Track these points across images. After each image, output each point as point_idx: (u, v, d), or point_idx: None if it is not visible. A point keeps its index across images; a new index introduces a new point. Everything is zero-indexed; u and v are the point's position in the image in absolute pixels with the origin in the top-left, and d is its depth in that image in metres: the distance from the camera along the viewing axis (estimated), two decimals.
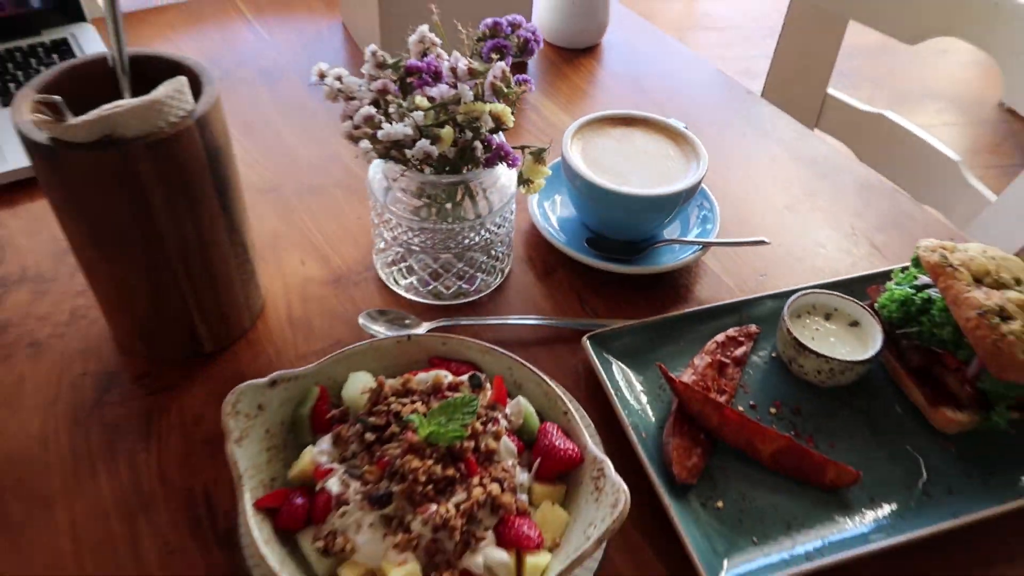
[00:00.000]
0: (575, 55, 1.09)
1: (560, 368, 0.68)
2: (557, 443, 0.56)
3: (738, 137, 0.96)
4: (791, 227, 0.83)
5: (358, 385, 0.58)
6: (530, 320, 0.71)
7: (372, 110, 0.60)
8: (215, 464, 0.60)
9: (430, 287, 0.72)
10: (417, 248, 0.69)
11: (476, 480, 0.53)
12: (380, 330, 0.69)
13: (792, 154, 0.94)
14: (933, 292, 0.66)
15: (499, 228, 0.71)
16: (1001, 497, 0.59)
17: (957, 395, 0.64)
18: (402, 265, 0.71)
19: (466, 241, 0.69)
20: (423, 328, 0.69)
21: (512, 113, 0.61)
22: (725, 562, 0.55)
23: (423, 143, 0.59)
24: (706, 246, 0.76)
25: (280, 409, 0.57)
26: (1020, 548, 0.58)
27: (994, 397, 0.62)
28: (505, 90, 0.62)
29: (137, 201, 0.54)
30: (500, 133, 0.64)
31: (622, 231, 0.77)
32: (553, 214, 0.81)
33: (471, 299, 0.73)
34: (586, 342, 0.67)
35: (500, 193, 0.69)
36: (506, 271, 0.76)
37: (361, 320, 0.69)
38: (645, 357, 0.68)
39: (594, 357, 0.66)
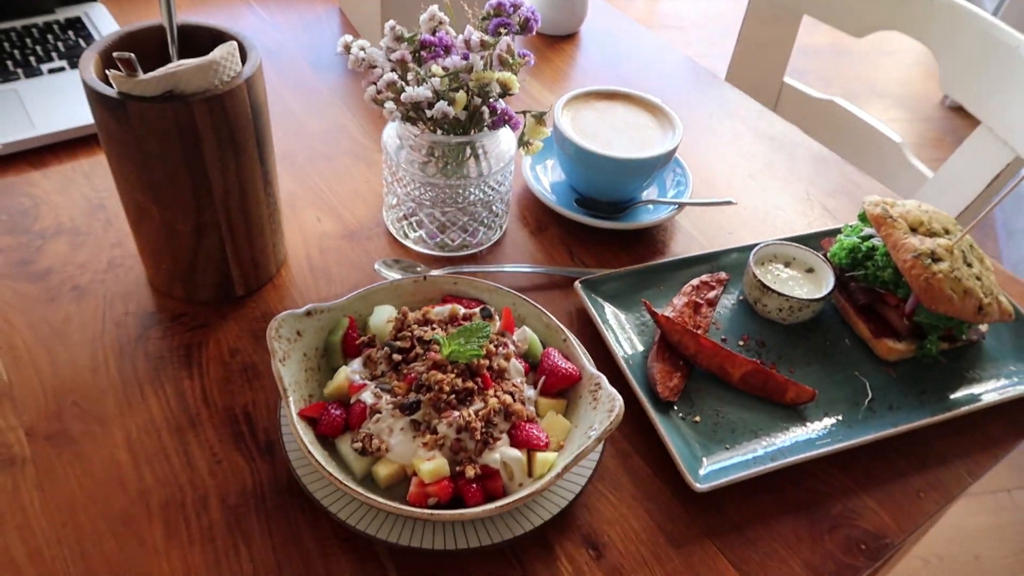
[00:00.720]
0: (557, 41, 1.18)
1: (553, 310, 0.77)
2: (559, 363, 0.64)
3: (705, 116, 1.06)
4: (754, 193, 0.93)
5: (383, 316, 0.66)
6: (526, 268, 0.80)
7: (394, 76, 0.69)
8: (252, 388, 0.67)
9: (437, 239, 0.80)
10: (427, 203, 0.77)
11: (491, 392, 0.61)
12: (394, 275, 0.77)
13: (753, 131, 1.04)
14: (876, 241, 0.76)
15: (499, 186, 0.79)
16: (933, 411, 0.69)
17: (897, 328, 0.74)
18: (412, 219, 0.79)
19: (470, 197, 0.77)
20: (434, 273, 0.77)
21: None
22: (704, 460, 0.64)
23: (441, 104, 0.67)
24: (680, 206, 0.85)
25: (314, 336, 0.65)
26: (950, 453, 0.68)
27: (927, 329, 0.73)
28: (510, 61, 0.70)
29: (192, 150, 0.61)
30: (503, 99, 0.73)
31: (607, 192, 0.86)
32: (545, 178, 0.89)
33: (472, 251, 0.82)
34: (578, 285, 0.76)
35: (500, 154, 0.77)
36: (504, 227, 0.84)
37: (377, 266, 0.77)
38: (629, 299, 0.77)
39: (585, 298, 0.75)
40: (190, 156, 0.62)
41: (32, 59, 0.96)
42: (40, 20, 1.03)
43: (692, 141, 1.00)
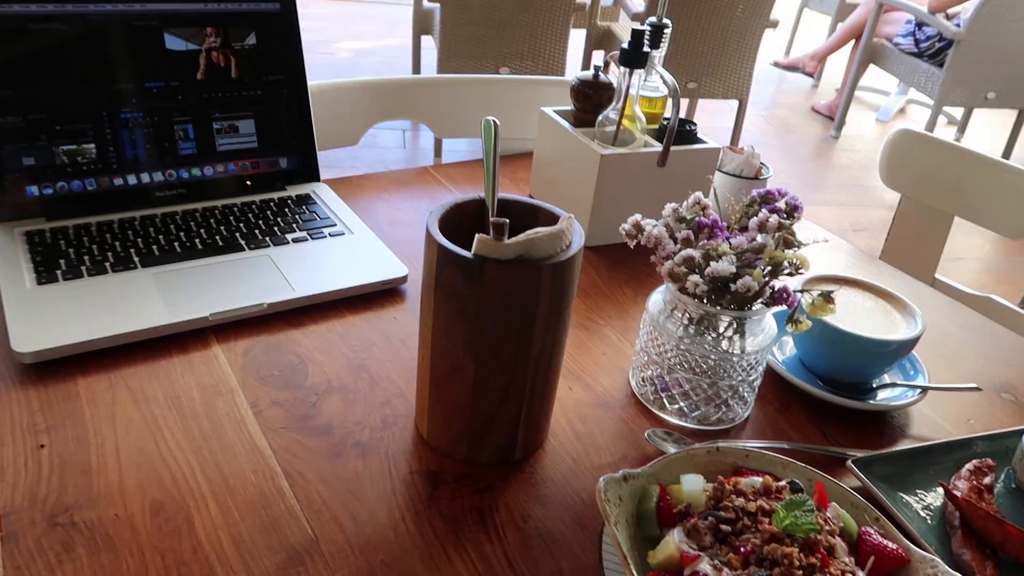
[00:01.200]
0: None
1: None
2: (885, 543, 0.62)
3: None
4: (979, 383, 0.94)
5: (697, 484, 0.65)
6: (783, 445, 0.79)
7: (692, 252, 0.73)
8: (554, 556, 0.65)
9: (696, 413, 0.80)
10: (689, 375, 0.78)
11: (832, 569, 0.59)
12: (668, 446, 0.76)
13: (950, 320, 1.07)
14: None
15: (758, 365, 0.81)
16: None
17: None
18: (674, 391, 0.80)
19: (732, 371, 0.79)
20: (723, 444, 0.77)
21: None
22: None
23: (747, 279, 0.70)
24: (925, 390, 0.86)
25: (629, 503, 0.64)
26: None
27: None
28: (795, 242, 0.75)
29: (528, 312, 0.64)
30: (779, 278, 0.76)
31: (849, 374, 0.87)
32: (780, 355, 0.91)
33: (727, 426, 0.82)
34: (852, 465, 0.75)
35: (764, 331, 0.80)
36: (752, 405, 0.85)
37: (648, 435, 0.77)
38: (900, 482, 0.75)
39: (865, 478, 0.74)
40: (525, 318, 0.65)
41: (277, 230, 1.03)
42: (275, 196, 1.11)
43: None
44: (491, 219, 0.61)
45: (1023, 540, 0.68)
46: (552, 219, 0.70)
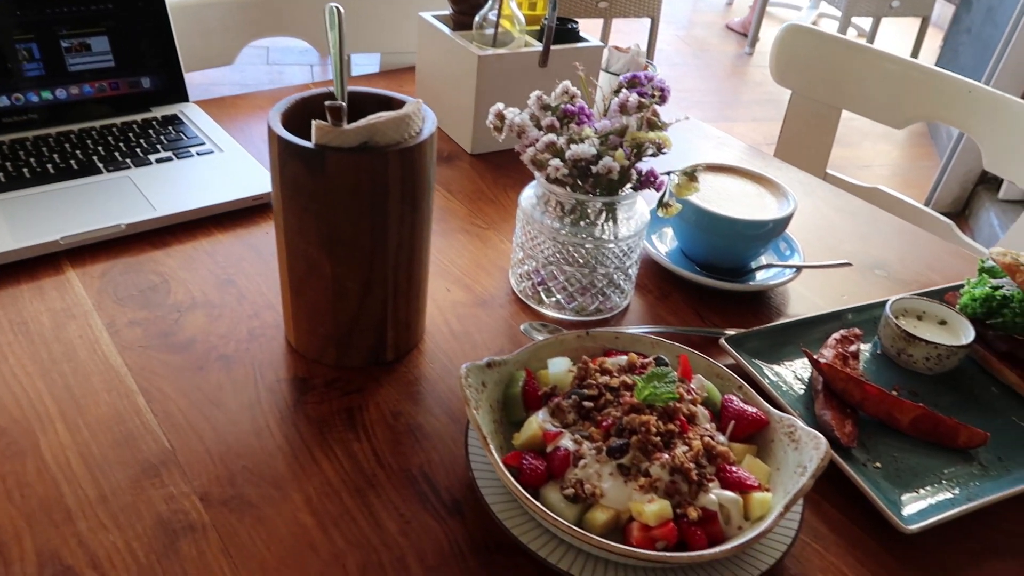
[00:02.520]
0: None
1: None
2: (745, 408, 0.63)
3: None
4: (854, 261, 0.96)
5: (562, 367, 0.65)
6: (664, 329, 0.80)
7: (554, 137, 0.71)
8: (423, 449, 0.65)
9: (573, 304, 0.80)
10: (564, 266, 0.78)
11: (691, 434, 0.60)
12: (542, 337, 0.76)
13: (833, 207, 1.09)
14: (1007, 290, 0.78)
15: (632, 252, 0.80)
16: None
17: None
18: (549, 284, 0.80)
19: (607, 259, 0.78)
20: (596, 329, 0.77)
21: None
22: (901, 504, 0.62)
23: (607, 160, 0.69)
24: (799, 269, 0.87)
25: (495, 389, 0.63)
26: None
27: None
28: (659, 123, 0.74)
29: (379, 201, 0.62)
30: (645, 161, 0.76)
31: (727, 258, 0.88)
32: (662, 246, 0.91)
33: (605, 316, 0.82)
34: (724, 343, 0.76)
35: (637, 218, 0.79)
36: (631, 294, 0.85)
37: (523, 328, 0.76)
38: (771, 354, 0.77)
39: (736, 353, 0.75)
40: (376, 209, 0.62)
41: (139, 151, 0.97)
42: (139, 117, 1.05)
43: None
44: (326, 103, 0.58)
45: (880, 398, 0.70)
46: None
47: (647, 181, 0.74)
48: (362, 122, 0.59)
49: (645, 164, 0.75)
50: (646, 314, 0.83)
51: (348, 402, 0.68)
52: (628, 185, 0.75)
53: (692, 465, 0.56)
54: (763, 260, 0.91)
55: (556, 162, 0.70)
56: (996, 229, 2.78)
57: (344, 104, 0.58)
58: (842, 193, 1.13)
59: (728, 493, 0.57)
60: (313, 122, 0.59)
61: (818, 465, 0.57)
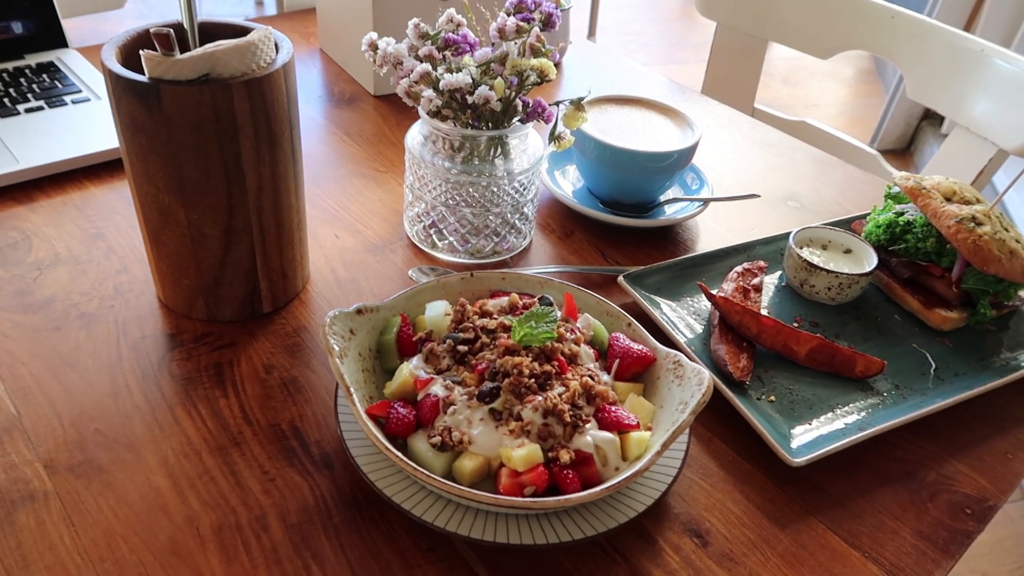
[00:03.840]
0: None
1: None
2: (631, 346, 0.61)
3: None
4: (766, 192, 0.93)
5: (439, 310, 0.61)
6: (564, 268, 0.76)
7: (428, 67, 0.66)
8: (296, 403, 0.61)
9: (467, 246, 0.76)
10: (455, 206, 0.74)
11: (569, 375, 0.57)
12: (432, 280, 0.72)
13: (750, 140, 1.05)
14: (911, 215, 0.76)
15: (527, 189, 0.76)
16: (999, 373, 0.68)
17: (946, 297, 0.73)
18: (440, 227, 0.76)
19: (499, 198, 0.74)
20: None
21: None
22: (791, 436, 0.61)
23: (483, 89, 0.65)
24: (706, 202, 0.84)
25: (367, 336, 0.59)
26: (1020, 408, 0.67)
27: (976, 295, 0.72)
28: (543, 49, 0.69)
29: (228, 139, 0.57)
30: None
31: (631, 193, 0.84)
32: (567, 184, 0.88)
33: (503, 257, 0.78)
34: (622, 280, 0.73)
35: (529, 153, 0.75)
36: (531, 234, 0.81)
37: (411, 273, 0.73)
38: (673, 291, 0.74)
39: (633, 291, 0.72)
40: (226, 148, 0.57)
41: (7, 100, 0.90)
42: (10, 65, 0.97)
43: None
44: (151, 30, 0.52)
45: (776, 330, 0.68)
46: None
47: (534, 112, 0.70)
48: (198, 51, 0.54)
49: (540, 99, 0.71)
50: (547, 254, 0.80)
51: (218, 357, 0.64)
52: (516, 118, 0.71)
53: (566, 407, 0.54)
54: (670, 195, 0.88)
55: (429, 93, 0.66)
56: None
57: (171, 31, 0.53)
58: (759, 125, 1.10)
59: (605, 434, 0.54)
60: (142, 53, 0.54)
61: (699, 401, 0.54)
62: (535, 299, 0.63)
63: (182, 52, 0.55)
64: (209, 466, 0.56)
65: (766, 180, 0.96)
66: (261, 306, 0.68)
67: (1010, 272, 0.70)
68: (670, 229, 0.85)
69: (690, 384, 0.57)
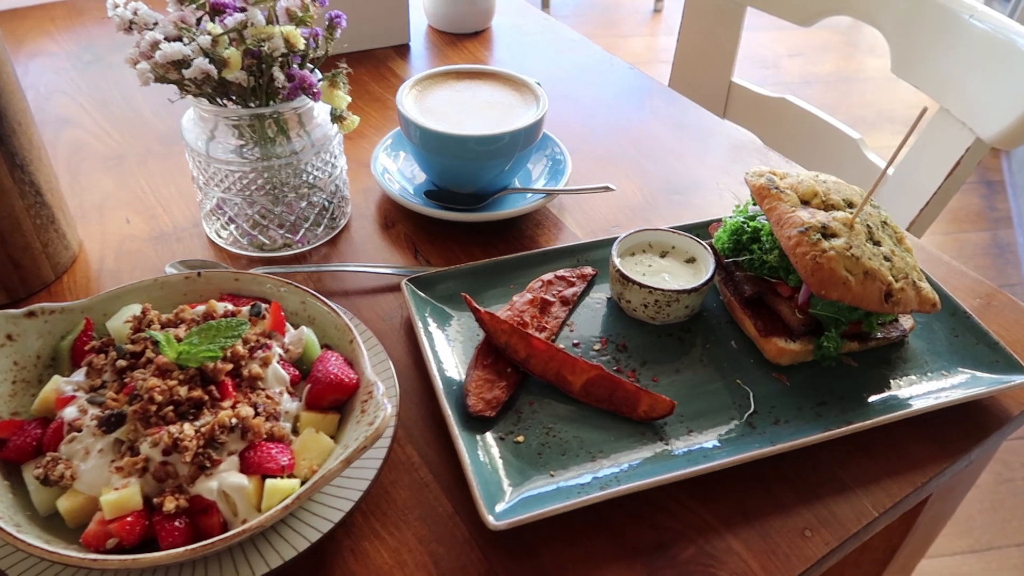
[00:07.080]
0: (460, 40, 1.07)
1: (380, 314, 0.64)
2: (331, 369, 0.51)
3: (606, 104, 0.93)
4: (654, 182, 0.80)
5: (126, 316, 0.54)
6: (352, 268, 0.67)
7: (159, 36, 0.58)
8: None
9: (250, 237, 0.68)
10: (237, 193, 0.66)
11: (228, 404, 0.48)
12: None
13: (658, 116, 0.91)
14: (760, 222, 0.62)
15: (320, 172, 0.67)
16: (830, 425, 0.54)
17: (790, 324, 0.59)
18: (222, 216, 0.68)
19: (285, 184, 0.66)
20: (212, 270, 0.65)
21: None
22: (509, 491, 0.50)
23: (200, 61, 0.56)
24: (549, 194, 0.73)
25: (36, 342, 0.53)
26: (852, 479, 0.53)
27: (827, 324, 0.58)
28: (300, 16, 0.59)
29: None
30: (307, 66, 0.62)
31: (463, 181, 0.73)
32: (398, 171, 0.78)
33: (297, 251, 0.70)
34: (404, 285, 0.63)
35: (321, 132, 0.66)
36: (338, 225, 0.72)
37: (168, 269, 0.65)
38: (473, 299, 0.64)
39: (410, 298, 0.62)
40: None
41: None
42: None
43: (591, 130, 0.87)
44: None
45: (549, 355, 0.56)
46: None
47: (297, 88, 0.61)
48: None
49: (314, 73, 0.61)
50: (355, 249, 0.71)
51: None
52: (280, 94, 0.62)
53: (194, 444, 0.45)
54: (517, 184, 0.76)
55: (143, 65, 0.57)
56: None
57: None
58: (680, 100, 0.95)
59: (238, 478, 0.45)
60: None
61: (358, 446, 0.45)
62: (245, 308, 0.54)
63: None
64: None
65: (661, 166, 0.82)
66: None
67: (861, 298, 0.55)
68: (511, 224, 0.74)
69: (365, 422, 0.47)
